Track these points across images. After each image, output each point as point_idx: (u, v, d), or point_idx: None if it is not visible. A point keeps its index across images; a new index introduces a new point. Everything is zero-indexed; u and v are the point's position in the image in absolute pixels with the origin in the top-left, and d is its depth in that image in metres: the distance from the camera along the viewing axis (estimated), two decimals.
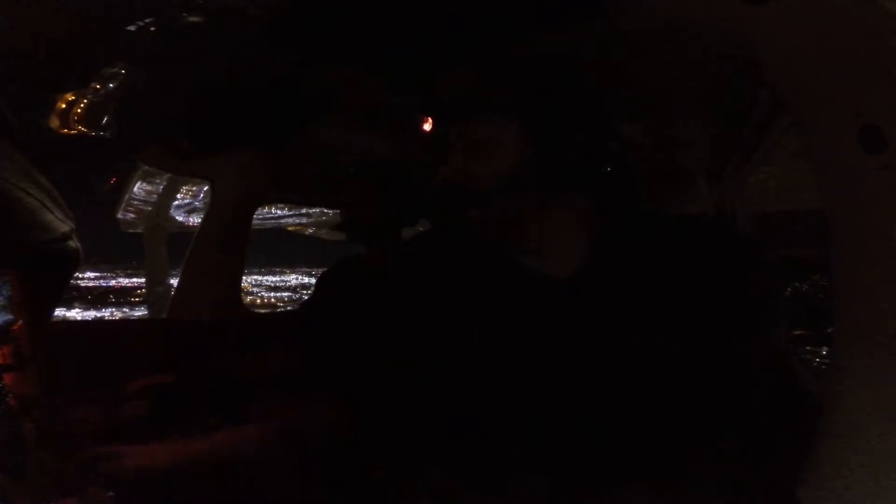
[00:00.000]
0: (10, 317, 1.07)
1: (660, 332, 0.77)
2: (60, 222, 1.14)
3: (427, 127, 0.91)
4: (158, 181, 3.09)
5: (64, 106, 1.48)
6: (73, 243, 1.18)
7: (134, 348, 1.62)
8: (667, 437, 0.76)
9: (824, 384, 0.91)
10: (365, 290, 1.57)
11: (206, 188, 2.38)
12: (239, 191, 1.95)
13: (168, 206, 3.47)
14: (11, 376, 1.01)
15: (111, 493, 0.87)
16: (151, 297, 3.57)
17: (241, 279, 2.12)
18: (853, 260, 0.63)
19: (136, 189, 3.26)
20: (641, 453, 0.76)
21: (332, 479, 0.97)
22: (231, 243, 1.98)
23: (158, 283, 3.56)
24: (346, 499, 0.94)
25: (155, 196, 3.28)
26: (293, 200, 2.95)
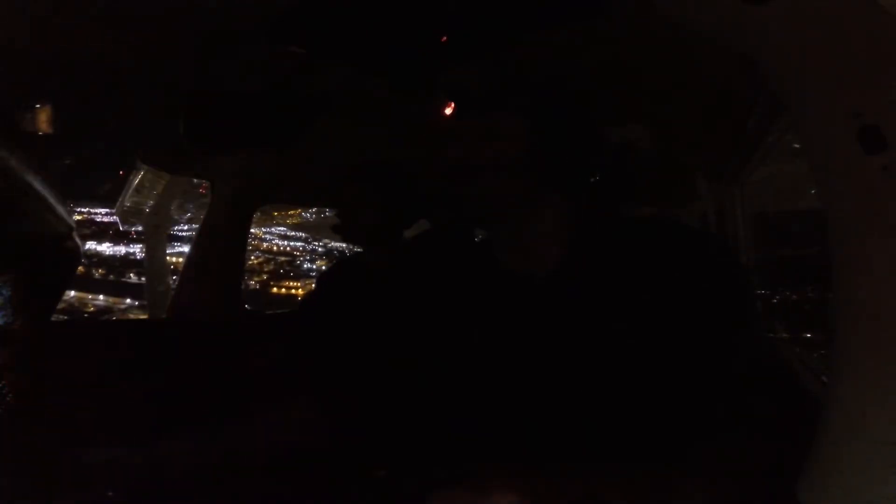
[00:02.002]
0: (10, 317, 1.07)
1: (635, 331, 0.79)
2: (60, 222, 1.14)
3: (448, 111, 0.94)
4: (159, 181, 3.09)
5: None
6: (73, 243, 1.19)
7: (134, 348, 1.62)
8: (658, 435, 0.77)
9: (824, 384, 0.91)
10: (365, 290, 1.57)
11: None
12: (239, 191, 1.95)
13: (168, 206, 3.47)
14: (11, 376, 1.01)
15: (111, 493, 0.87)
16: (151, 296, 3.57)
17: (241, 279, 2.12)
18: (853, 260, 0.63)
19: (135, 188, 3.26)
20: (635, 450, 0.77)
21: (332, 479, 0.97)
22: (231, 243, 1.98)
23: (158, 282, 3.55)
24: (347, 499, 0.94)
25: (155, 196, 3.28)
26: (293, 200, 2.96)
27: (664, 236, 0.86)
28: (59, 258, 1.19)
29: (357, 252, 1.80)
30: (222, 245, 1.96)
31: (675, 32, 1.02)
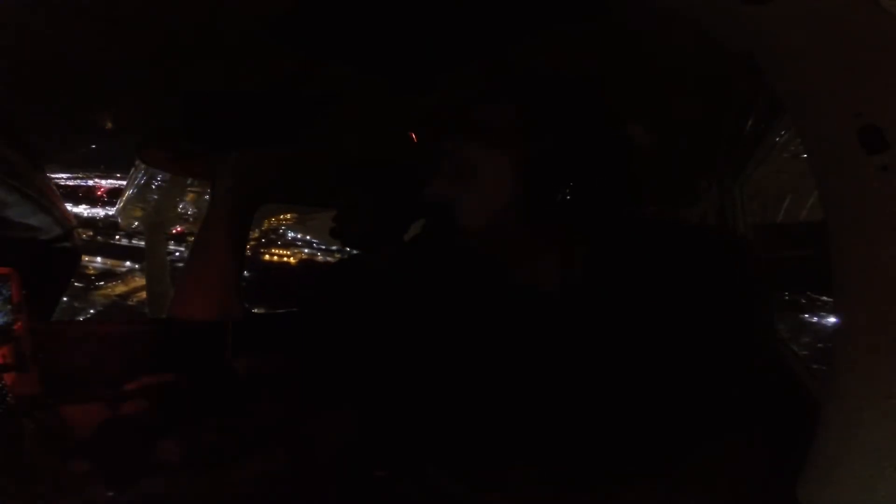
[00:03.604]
0: (10, 317, 1.06)
1: (650, 337, 0.78)
2: (60, 222, 1.14)
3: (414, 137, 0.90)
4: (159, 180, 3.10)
5: None
6: (73, 243, 1.19)
7: (134, 348, 1.62)
8: (664, 437, 0.76)
9: (824, 384, 0.91)
10: (364, 291, 1.57)
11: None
12: (239, 191, 1.95)
13: (168, 206, 3.48)
14: (11, 376, 1.01)
15: (111, 493, 0.87)
16: (151, 296, 3.57)
17: (241, 279, 2.12)
18: (852, 260, 0.63)
19: (136, 188, 3.26)
20: (639, 454, 0.76)
21: (332, 480, 0.97)
22: (231, 243, 1.98)
23: (158, 282, 3.56)
24: (347, 499, 0.94)
25: (155, 195, 3.28)
26: (293, 201, 2.95)
27: (678, 240, 0.84)
28: (59, 258, 1.19)
29: (357, 254, 1.79)
30: (222, 245, 1.95)
31: (674, 32, 1.02)
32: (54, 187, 1.17)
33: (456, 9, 1.05)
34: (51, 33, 1.09)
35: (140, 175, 3.06)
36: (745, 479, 0.75)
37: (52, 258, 1.18)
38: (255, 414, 1.29)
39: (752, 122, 1.56)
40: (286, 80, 1.36)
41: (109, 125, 1.64)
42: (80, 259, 1.30)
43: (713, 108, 1.51)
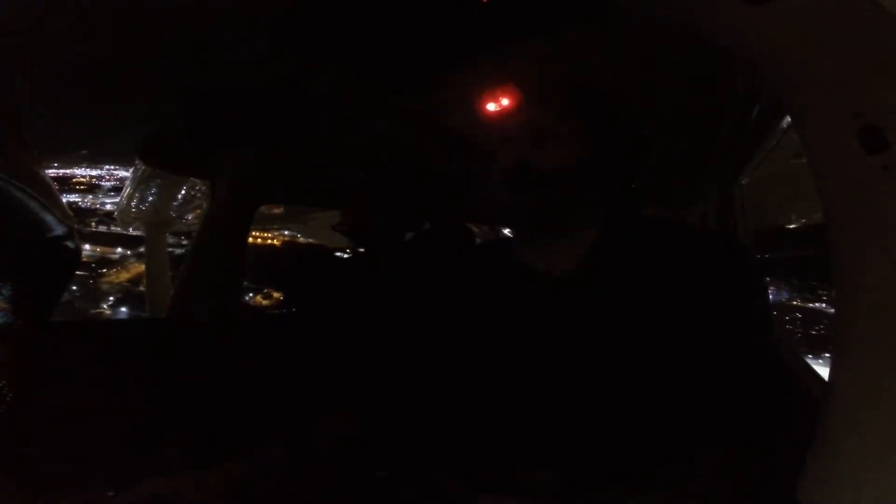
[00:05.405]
0: (10, 317, 1.07)
1: (650, 336, 0.78)
2: (60, 222, 1.14)
3: (492, 107, 0.92)
4: (159, 180, 3.10)
5: None
6: (73, 243, 1.18)
7: (134, 348, 1.62)
8: (664, 438, 0.76)
9: (824, 384, 0.91)
10: (366, 290, 1.57)
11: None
12: (239, 190, 1.95)
13: (168, 205, 3.48)
14: (12, 376, 1.01)
15: (111, 493, 0.87)
16: (151, 296, 3.57)
17: (241, 279, 2.12)
18: (852, 260, 0.63)
19: (135, 187, 3.26)
20: (639, 454, 0.76)
21: (332, 480, 0.97)
22: (231, 243, 1.98)
23: (159, 282, 3.56)
24: (347, 499, 0.94)
25: (155, 195, 3.28)
26: (294, 201, 2.95)
27: (683, 238, 0.85)
28: (59, 258, 1.19)
29: (358, 252, 1.80)
30: (222, 245, 1.96)
31: (674, 32, 1.02)
32: (55, 186, 1.17)
33: (456, 8, 1.05)
34: (52, 33, 1.09)
35: (140, 174, 3.06)
36: (745, 480, 0.75)
37: (52, 258, 1.18)
38: (255, 413, 1.29)
39: (752, 122, 1.56)
40: (287, 79, 1.36)
41: (110, 125, 1.64)
42: (80, 258, 1.30)
43: (713, 108, 1.51)
